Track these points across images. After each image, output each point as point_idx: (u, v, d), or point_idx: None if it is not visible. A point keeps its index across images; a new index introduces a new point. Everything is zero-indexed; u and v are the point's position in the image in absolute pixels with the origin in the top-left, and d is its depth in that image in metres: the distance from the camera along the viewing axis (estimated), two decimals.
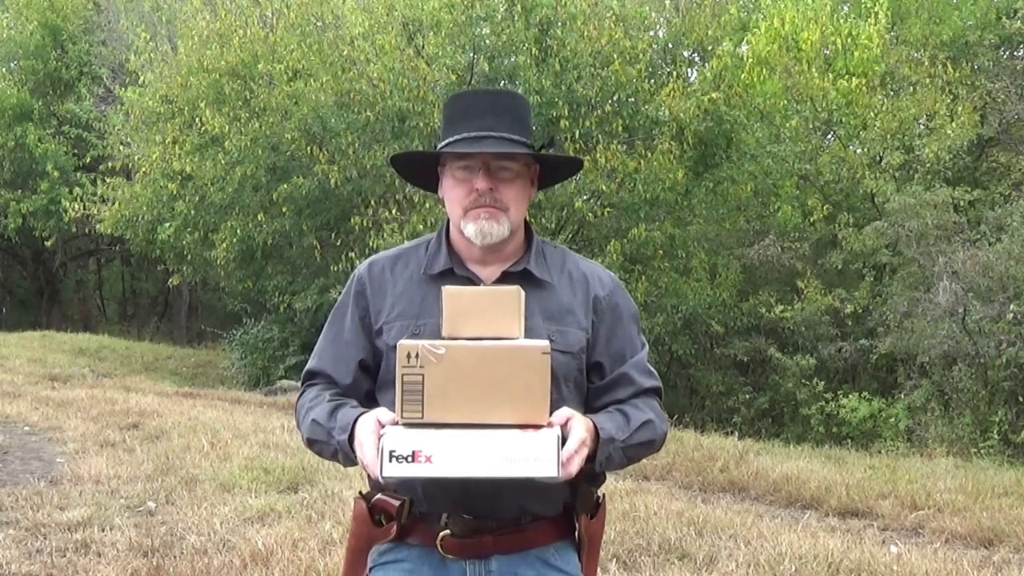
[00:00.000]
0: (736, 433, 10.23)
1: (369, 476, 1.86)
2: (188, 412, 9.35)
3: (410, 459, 1.63)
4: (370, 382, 2.01)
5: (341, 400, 1.93)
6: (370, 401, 1.97)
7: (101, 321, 28.05)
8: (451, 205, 1.97)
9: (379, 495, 1.90)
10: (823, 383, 12.97)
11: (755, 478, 7.03)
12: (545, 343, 1.71)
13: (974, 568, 4.75)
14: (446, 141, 1.95)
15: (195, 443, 7.37)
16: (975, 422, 10.62)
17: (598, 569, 2.21)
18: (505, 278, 1.95)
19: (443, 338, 1.74)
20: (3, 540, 4.79)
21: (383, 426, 1.71)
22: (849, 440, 11.51)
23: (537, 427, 1.66)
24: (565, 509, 1.93)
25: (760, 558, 4.68)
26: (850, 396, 12.30)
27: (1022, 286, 10.72)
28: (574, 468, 1.68)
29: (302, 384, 2.08)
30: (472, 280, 1.96)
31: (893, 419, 11.57)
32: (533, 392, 1.67)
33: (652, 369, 2.03)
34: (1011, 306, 10.53)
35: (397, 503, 1.88)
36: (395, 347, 1.80)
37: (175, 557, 4.56)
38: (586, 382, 1.98)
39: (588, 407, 1.94)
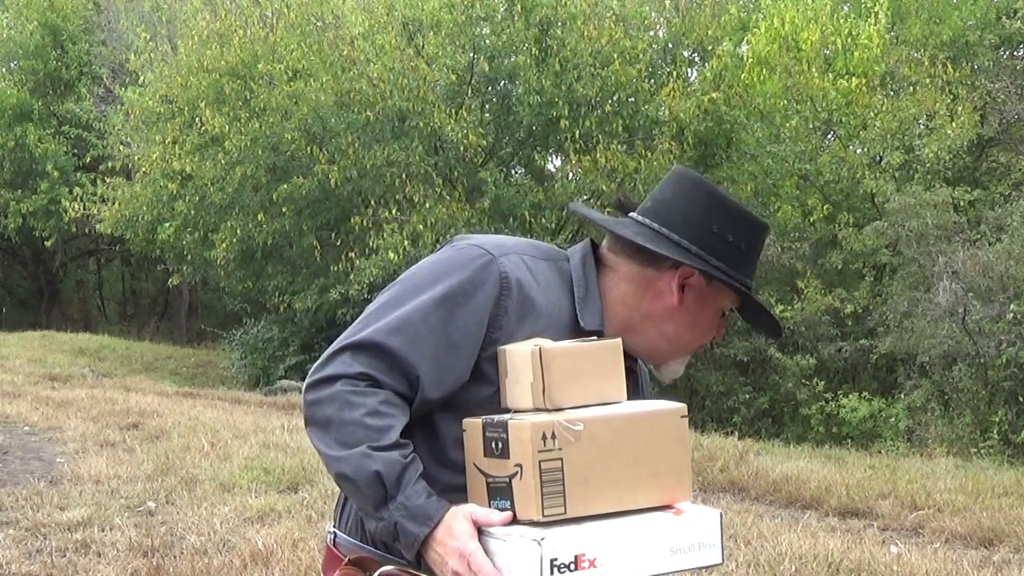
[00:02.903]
0: (736, 433, 10.23)
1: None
2: (188, 412, 9.35)
3: (573, 567, 1.33)
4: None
5: (408, 451, 1.46)
6: (418, 420, 1.54)
7: (101, 321, 28.02)
8: (690, 328, 1.63)
9: (391, 568, 1.51)
10: (823, 383, 12.96)
11: (755, 478, 7.03)
12: (681, 404, 1.48)
13: (974, 568, 4.75)
14: (742, 276, 1.62)
15: (195, 443, 7.36)
16: (975, 422, 10.61)
17: None
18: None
19: (545, 408, 1.45)
20: (3, 540, 4.79)
21: (481, 530, 1.39)
22: (849, 440, 11.51)
23: (680, 507, 1.45)
24: None
25: (760, 558, 4.68)
26: (850, 396, 12.30)
27: (1022, 286, 10.72)
28: None
29: (351, 353, 1.49)
30: None
31: (893, 419, 11.57)
32: (676, 464, 1.45)
33: None
34: (1011, 306, 10.52)
35: None
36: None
37: (175, 557, 4.56)
38: None
39: None
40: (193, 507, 5.50)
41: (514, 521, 1.38)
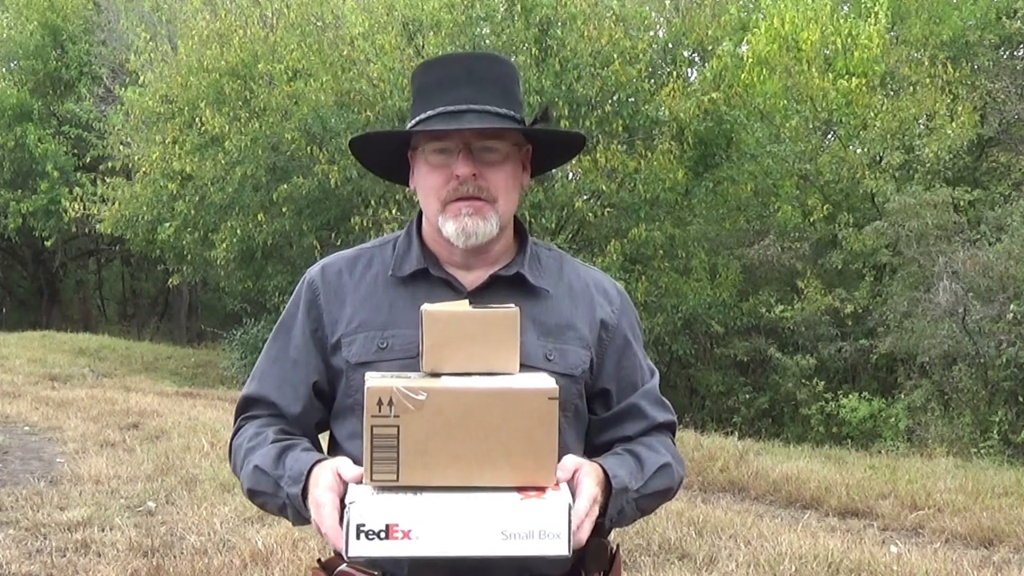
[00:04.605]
0: (736, 433, 10.24)
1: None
2: (188, 412, 9.35)
3: (384, 535, 1.30)
4: (324, 411, 1.67)
5: (289, 440, 1.59)
6: (321, 433, 1.69)
7: (101, 321, 28.03)
8: (425, 197, 1.62)
9: (343, 566, 1.56)
10: (823, 383, 12.97)
11: (755, 478, 7.03)
12: (553, 386, 1.38)
13: (974, 568, 4.75)
14: (417, 119, 1.60)
15: (195, 443, 7.36)
16: (975, 422, 10.62)
17: None
18: (493, 283, 1.63)
19: (421, 371, 1.42)
20: (3, 540, 4.79)
21: (345, 483, 1.39)
22: (849, 440, 11.52)
23: (540, 490, 1.35)
24: (573, 566, 1.56)
25: (760, 558, 4.68)
26: (850, 396, 12.31)
27: (1022, 286, 10.72)
28: (585, 534, 1.39)
29: (237, 416, 1.71)
30: (451, 284, 1.62)
31: (893, 419, 11.58)
32: (537, 447, 1.35)
33: (666, 400, 1.73)
34: (1011, 306, 10.53)
35: None
36: (356, 365, 1.57)
37: (175, 557, 4.56)
38: (587, 412, 1.67)
39: (588, 442, 1.67)
40: (193, 507, 5.50)
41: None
